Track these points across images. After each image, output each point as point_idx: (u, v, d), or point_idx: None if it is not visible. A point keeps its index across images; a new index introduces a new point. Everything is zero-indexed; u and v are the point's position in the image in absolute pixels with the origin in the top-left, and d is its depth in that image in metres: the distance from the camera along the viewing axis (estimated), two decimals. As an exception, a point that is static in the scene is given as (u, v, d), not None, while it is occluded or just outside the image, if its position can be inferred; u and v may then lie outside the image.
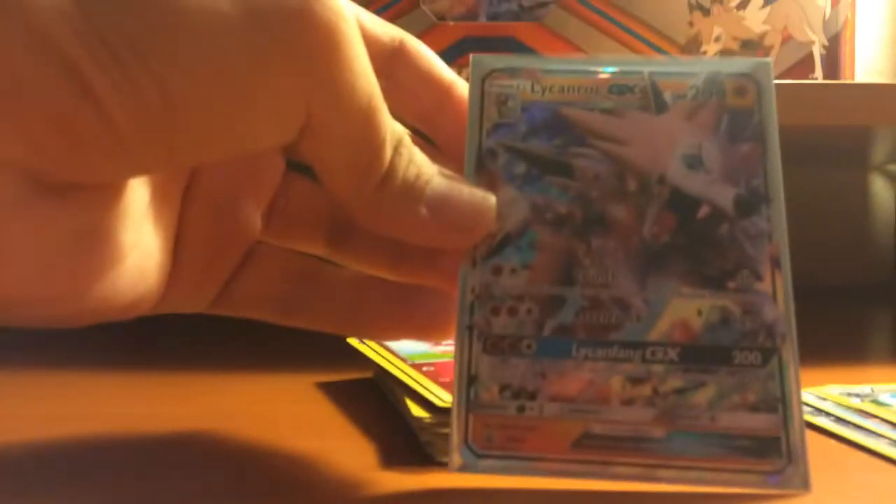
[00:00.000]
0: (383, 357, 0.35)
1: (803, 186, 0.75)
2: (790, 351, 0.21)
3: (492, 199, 0.22)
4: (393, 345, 0.37)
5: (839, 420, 0.30)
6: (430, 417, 0.26)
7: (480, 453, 0.22)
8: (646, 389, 0.21)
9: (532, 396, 0.22)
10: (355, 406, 0.34)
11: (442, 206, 0.21)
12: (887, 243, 0.80)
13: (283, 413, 0.33)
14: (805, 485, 0.21)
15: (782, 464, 0.21)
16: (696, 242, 0.22)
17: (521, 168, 0.23)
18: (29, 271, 0.18)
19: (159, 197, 0.22)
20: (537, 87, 0.23)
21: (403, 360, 0.34)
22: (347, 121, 0.19)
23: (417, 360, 0.33)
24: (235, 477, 0.26)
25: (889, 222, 0.81)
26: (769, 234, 0.22)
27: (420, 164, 0.21)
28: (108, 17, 0.16)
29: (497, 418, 0.22)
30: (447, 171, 0.22)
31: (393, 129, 0.21)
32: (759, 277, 0.21)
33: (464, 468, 0.22)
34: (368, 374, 0.39)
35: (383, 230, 0.22)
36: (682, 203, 0.22)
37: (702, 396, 0.21)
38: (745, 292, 0.22)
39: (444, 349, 0.36)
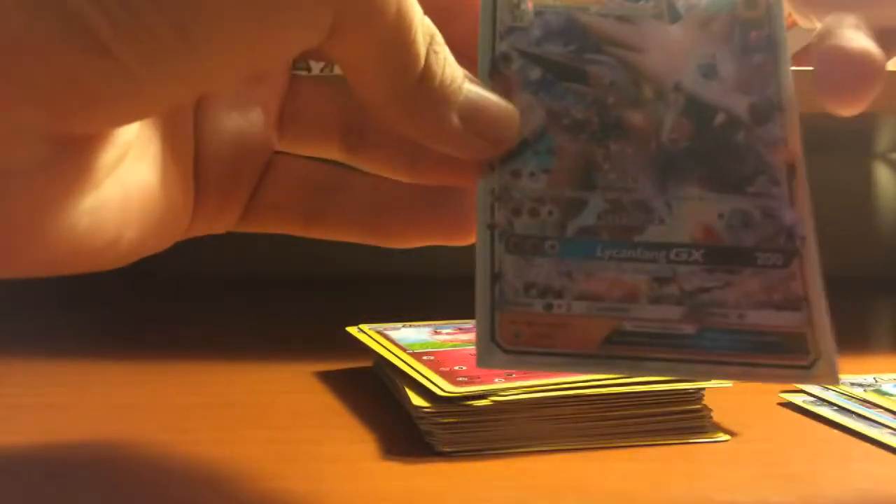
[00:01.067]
0: (383, 346, 0.34)
1: (806, 174, 0.75)
2: (811, 252, 0.22)
3: (515, 110, 0.22)
4: (393, 334, 0.37)
5: (842, 410, 0.30)
6: (431, 407, 0.26)
7: (509, 349, 0.22)
8: (673, 289, 0.21)
9: (559, 295, 0.22)
10: (354, 395, 0.34)
11: (473, 115, 0.21)
12: (891, 232, 0.80)
13: (282, 403, 0.33)
14: (834, 378, 0.21)
15: (810, 359, 0.21)
16: (714, 148, 0.22)
17: (536, 73, 0.23)
18: (70, 231, 0.18)
19: (172, 129, 0.21)
20: None
21: (403, 349, 0.33)
22: (379, 14, 0.18)
23: (417, 350, 0.33)
24: (234, 466, 0.26)
25: (893, 210, 0.81)
26: (784, 141, 0.22)
27: (454, 67, 0.21)
28: None
29: (524, 315, 0.22)
30: (473, 77, 0.22)
31: (424, 23, 0.20)
32: (776, 182, 0.22)
33: (490, 364, 0.22)
34: (367, 364, 0.39)
35: (415, 135, 0.21)
36: (698, 110, 0.22)
37: (728, 295, 0.21)
38: (764, 197, 0.22)
39: (445, 338, 0.36)
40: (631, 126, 0.22)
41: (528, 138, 0.22)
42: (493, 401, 0.26)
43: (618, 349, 0.21)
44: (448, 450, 0.26)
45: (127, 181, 0.19)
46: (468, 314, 0.43)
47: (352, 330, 0.39)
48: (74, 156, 0.17)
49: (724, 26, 0.23)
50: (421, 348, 0.33)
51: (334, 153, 0.25)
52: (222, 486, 0.24)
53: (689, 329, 0.21)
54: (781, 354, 0.21)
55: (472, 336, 0.36)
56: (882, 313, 0.60)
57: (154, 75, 0.16)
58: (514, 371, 0.29)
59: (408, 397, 0.28)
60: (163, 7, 0.15)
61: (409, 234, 0.25)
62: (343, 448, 0.27)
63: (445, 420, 0.26)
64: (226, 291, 0.77)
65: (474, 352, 0.32)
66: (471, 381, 0.27)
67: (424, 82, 0.20)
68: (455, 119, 0.21)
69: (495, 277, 0.22)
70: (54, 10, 0.15)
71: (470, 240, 0.24)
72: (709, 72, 0.22)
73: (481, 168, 0.22)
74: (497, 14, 0.23)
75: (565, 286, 0.22)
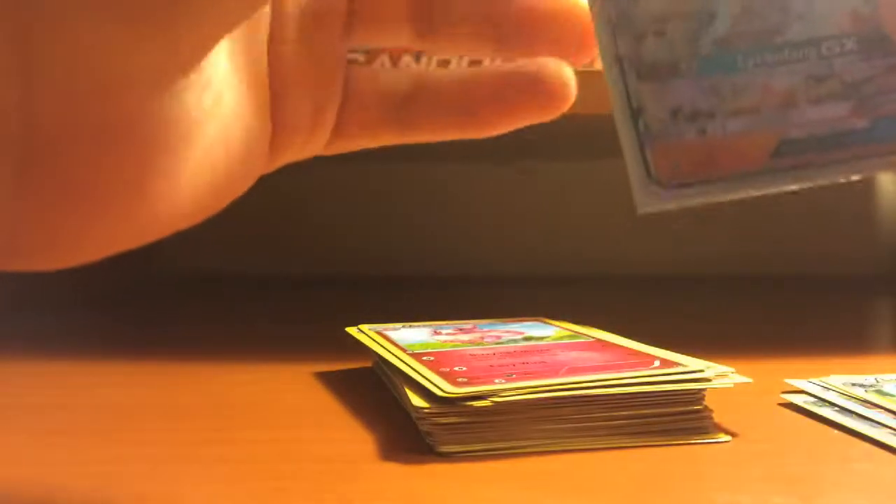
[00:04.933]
0: (383, 346, 0.34)
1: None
2: None
3: None
4: (393, 334, 0.37)
5: (843, 410, 0.30)
6: (431, 407, 0.26)
7: (670, 184, 0.20)
8: (834, 84, 0.20)
9: (710, 115, 0.20)
10: (354, 396, 0.34)
11: None
12: (892, 233, 0.80)
13: (282, 403, 0.33)
14: None
15: None
16: None
17: None
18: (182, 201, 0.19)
19: (249, 61, 0.21)
20: None
21: (403, 349, 0.33)
22: None
23: (417, 350, 0.33)
24: (234, 466, 0.25)
25: (893, 210, 0.81)
26: None
27: None
28: None
29: (678, 144, 0.20)
30: None
31: None
32: None
33: (653, 206, 0.20)
34: (367, 364, 0.39)
35: None
36: None
37: (895, 81, 0.19)
38: None
39: (445, 339, 0.36)
40: None
41: None
42: (493, 401, 0.26)
43: (787, 160, 0.19)
44: (448, 450, 0.26)
45: (224, 123, 0.19)
46: (468, 314, 0.44)
47: (352, 330, 0.39)
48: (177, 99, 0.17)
49: None
50: (421, 348, 0.33)
51: (405, 39, 0.24)
52: (222, 486, 0.24)
53: (862, 123, 0.19)
54: None
55: (472, 336, 0.37)
56: (882, 313, 0.60)
57: None
58: (511, 376, 0.28)
59: (408, 397, 0.28)
60: None
61: (503, 119, 0.24)
62: (343, 448, 0.27)
63: (445, 420, 0.26)
64: (226, 291, 0.77)
65: (474, 352, 0.32)
66: (471, 382, 0.27)
67: None
68: None
69: (636, 113, 0.20)
70: None
71: (565, 106, 0.23)
72: None
73: None
74: None
75: (714, 105, 0.20)
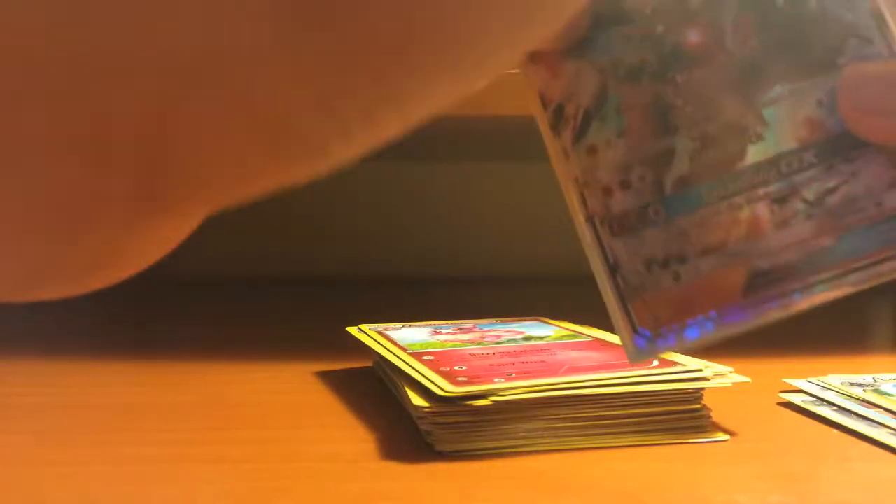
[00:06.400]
0: (383, 346, 0.35)
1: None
2: None
3: None
4: (393, 334, 0.37)
5: (841, 410, 0.30)
6: (431, 407, 0.26)
7: (653, 335, 0.20)
8: (796, 204, 0.19)
9: (681, 259, 0.20)
10: (355, 395, 0.34)
11: None
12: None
13: (282, 402, 0.33)
14: None
15: None
16: (788, 31, 0.20)
17: None
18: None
19: None
20: None
21: (403, 348, 0.33)
22: None
23: (417, 350, 0.33)
24: (234, 466, 0.26)
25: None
26: None
27: None
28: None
29: (656, 295, 0.20)
30: None
31: None
32: (868, 40, 0.19)
33: (644, 357, 0.20)
34: (368, 364, 0.39)
35: None
36: None
37: (857, 187, 0.19)
38: (860, 62, 0.19)
39: (445, 338, 0.36)
40: (690, 47, 0.20)
41: (590, 107, 0.20)
42: (493, 401, 0.26)
43: (762, 293, 0.19)
44: (448, 450, 0.26)
45: None
46: (468, 314, 0.44)
47: (352, 330, 0.39)
48: None
49: None
50: (421, 348, 0.33)
51: None
52: (223, 486, 0.24)
53: (828, 241, 0.19)
54: None
55: (471, 336, 0.37)
56: (882, 313, 0.60)
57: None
58: (511, 375, 0.29)
59: (408, 397, 0.28)
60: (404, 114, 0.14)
61: None
62: (343, 448, 0.27)
63: (445, 420, 0.26)
64: (226, 291, 0.77)
65: (474, 351, 0.32)
66: (471, 381, 0.27)
67: None
68: None
69: (613, 270, 0.20)
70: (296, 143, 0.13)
71: None
72: None
73: (554, 158, 0.21)
74: None
75: (684, 248, 0.20)
